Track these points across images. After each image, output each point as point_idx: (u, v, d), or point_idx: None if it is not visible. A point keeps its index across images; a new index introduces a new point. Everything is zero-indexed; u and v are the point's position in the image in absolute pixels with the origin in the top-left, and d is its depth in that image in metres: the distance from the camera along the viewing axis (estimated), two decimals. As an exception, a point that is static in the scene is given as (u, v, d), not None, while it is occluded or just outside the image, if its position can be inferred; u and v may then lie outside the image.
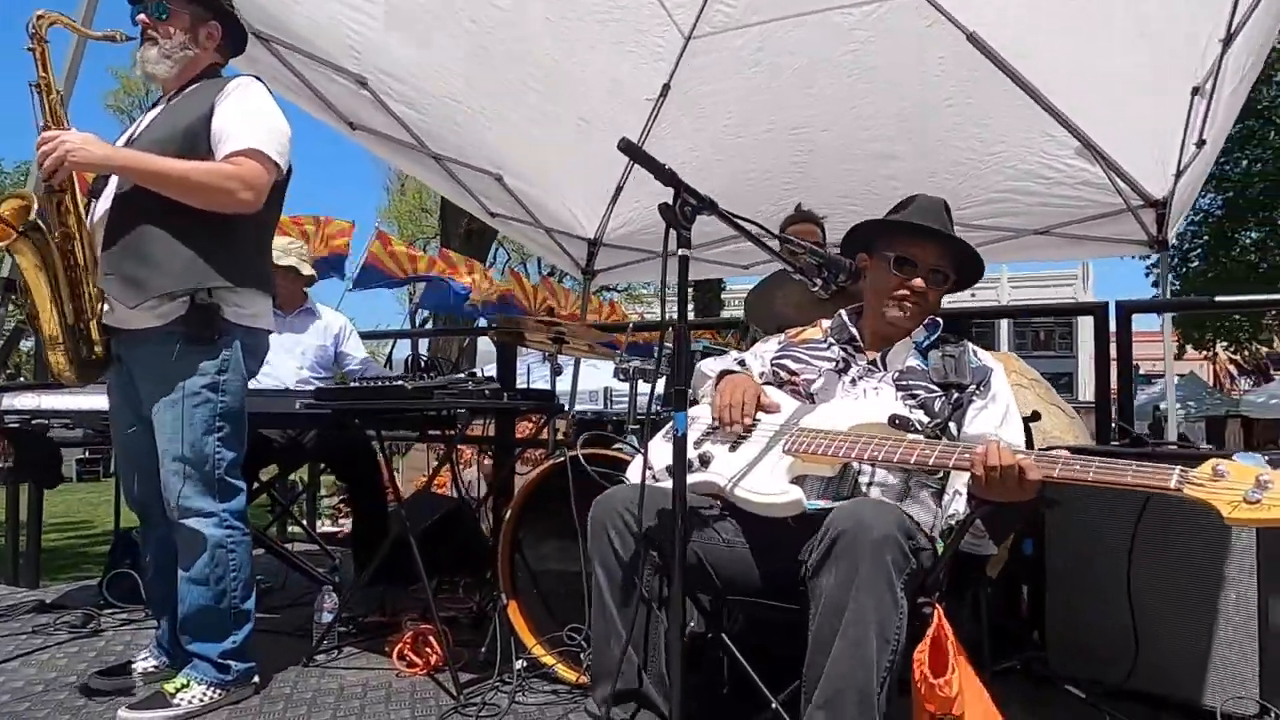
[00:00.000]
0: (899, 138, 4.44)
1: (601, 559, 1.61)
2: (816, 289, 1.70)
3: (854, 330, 1.90)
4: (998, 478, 1.38)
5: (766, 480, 1.62)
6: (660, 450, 1.87)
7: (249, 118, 2.18)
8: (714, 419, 1.84)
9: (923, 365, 1.79)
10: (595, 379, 9.79)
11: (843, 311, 1.97)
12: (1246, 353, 20.72)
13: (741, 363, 2.06)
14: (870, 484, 1.67)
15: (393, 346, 8.65)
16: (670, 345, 2.49)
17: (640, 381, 2.62)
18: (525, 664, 2.41)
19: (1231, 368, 21.83)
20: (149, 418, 2.23)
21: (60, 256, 2.16)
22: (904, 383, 1.76)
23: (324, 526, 5.96)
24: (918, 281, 1.80)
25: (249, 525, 2.30)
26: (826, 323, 2.03)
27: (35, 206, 2.09)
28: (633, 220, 5.33)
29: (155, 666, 2.40)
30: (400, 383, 2.44)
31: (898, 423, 1.59)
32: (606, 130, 4.66)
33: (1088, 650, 2.27)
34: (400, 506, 3.85)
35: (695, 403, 2.25)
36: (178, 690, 2.16)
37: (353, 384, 2.58)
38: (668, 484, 1.75)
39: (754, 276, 6.20)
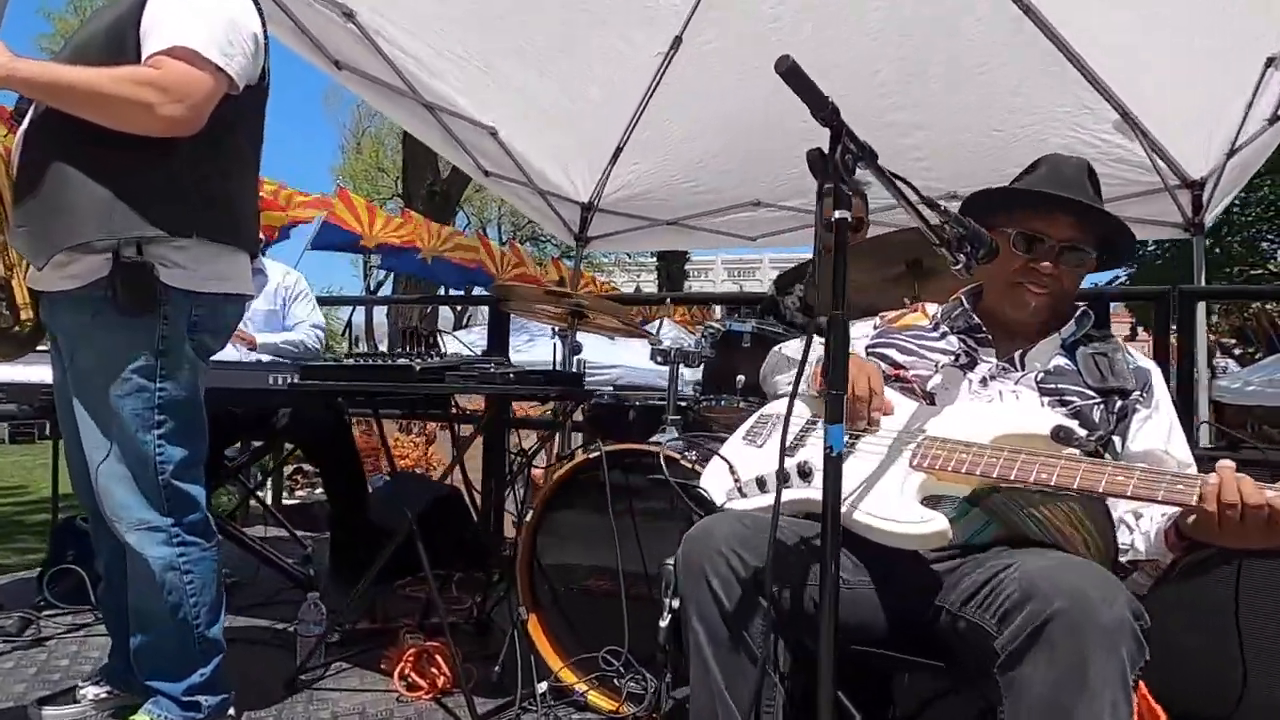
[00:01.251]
0: (925, 105, 4.14)
1: (701, 612, 1.28)
2: (959, 268, 1.38)
3: (975, 318, 1.58)
4: (1236, 519, 1.09)
5: (895, 504, 1.31)
6: (746, 457, 1.55)
7: (190, 6, 1.68)
8: (813, 421, 1.54)
9: (1071, 365, 1.49)
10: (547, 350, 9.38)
11: (962, 295, 1.66)
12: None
13: (828, 351, 1.74)
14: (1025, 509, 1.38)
15: (352, 312, 8.24)
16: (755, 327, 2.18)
17: (681, 366, 2.29)
18: (548, 688, 2.09)
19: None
20: None
21: None
22: (1051, 386, 1.45)
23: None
24: (1045, 264, 1.49)
25: (212, 537, 1.90)
26: (933, 307, 1.72)
27: None
28: (631, 184, 4.96)
29: (108, 693, 2.02)
30: (405, 361, 2.08)
31: (1062, 436, 1.29)
32: (611, 87, 4.32)
33: (1185, 680, 2.04)
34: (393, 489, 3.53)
35: (763, 395, 1.95)
36: (139, 729, 1.80)
37: (348, 360, 2.20)
38: (754, 503, 1.46)
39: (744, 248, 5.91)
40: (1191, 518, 1.18)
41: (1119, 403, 1.42)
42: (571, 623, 2.19)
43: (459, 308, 16.87)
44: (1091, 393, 1.43)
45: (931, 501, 1.35)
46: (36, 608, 2.72)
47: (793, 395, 1.19)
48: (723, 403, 2.34)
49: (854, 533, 1.33)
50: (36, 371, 2.57)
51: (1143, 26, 3.39)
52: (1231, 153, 3.54)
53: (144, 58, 1.66)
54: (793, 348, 1.77)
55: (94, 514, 1.97)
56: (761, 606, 1.24)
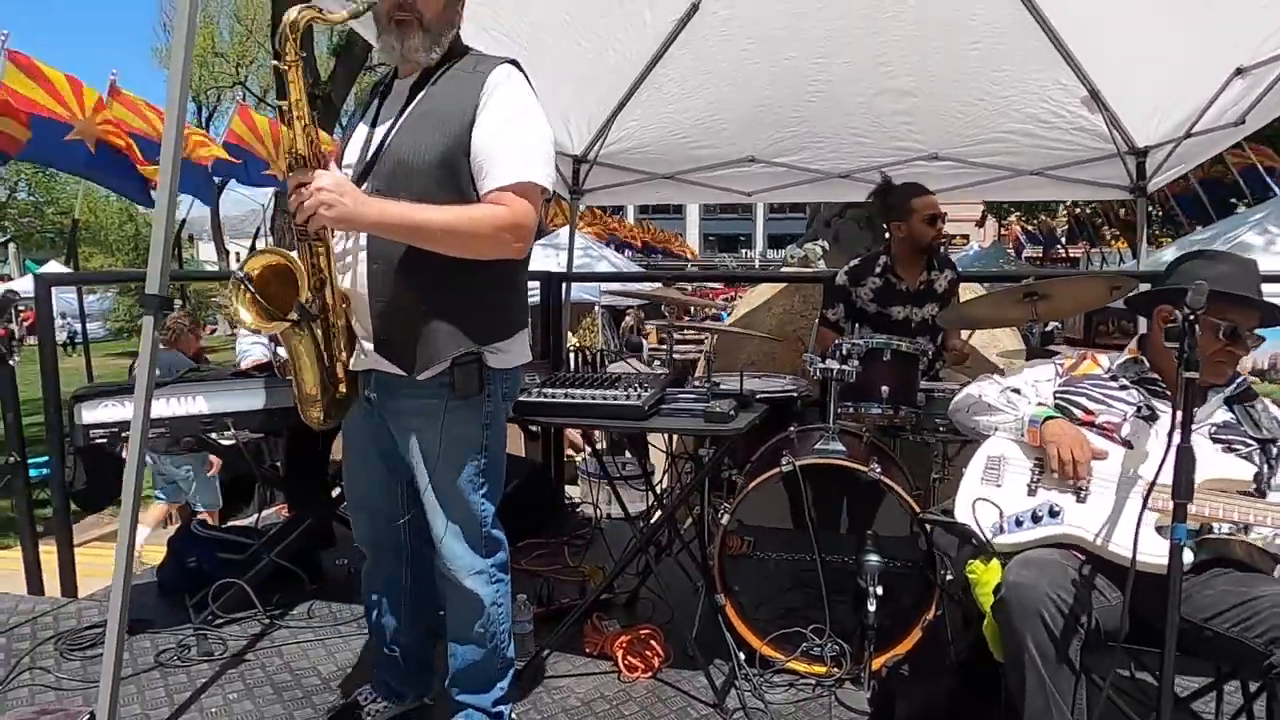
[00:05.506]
0: (918, 74, 4.48)
1: (1035, 639, 1.71)
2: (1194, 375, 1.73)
3: (1155, 374, 2.04)
4: None
5: (1142, 539, 1.76)
6: (995, 496, 1.98)
7: (518, 135, 1.84)
8: (1038, 463, 1.99)
9: (1233, 418, 1.98)
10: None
11: (1139, 355, 2.10)
12: (1036, 221, 23.46)
13: (1016, 390, 2.17)
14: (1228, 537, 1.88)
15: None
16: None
17: (835, 382, 2.67)
18: (757, 659, 2.53)
19: (1021, 235, 24.58)
20: (395, 461, 2.06)
21: (321, 319, 1.87)
22: (1222, 437, 1.94)
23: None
24: (1242, 352, 1.96)
25: (508, 569, 2.15)
26: (1105, 359, 2.17)
27: (305, 292, 1.76)
28: (626, 139, 5.11)
29: (384, 706, 2.29)
30: (625, 394, 2.33)
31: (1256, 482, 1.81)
32: (626, 51, 4.41)
33: None
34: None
35: (907, 401, 2.37)
36: (459, 744, 2.10)
37: (556, 392, 2.40)
38: (1019, 538, 1.91)
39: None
40: None
41: (1273, 450, 1.94)
42: (755, 602, 2.62)
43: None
44: (1252, 441, 1.94)
45: (1163, 532, 1.83)
46: (206, 622, 2.85)
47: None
48: (862, 408, 2.76)
49: (1106, 559, 1.82)
50: (185, 405, 2.66)
51: (1134, 21, 3.84)
52: (1187, 135, 4.16)
53: (489, 189, 1.82)
54: (990, 393, 2.17)
55: (374, 547, 2.22)
56: (1077, 631, 1.71)
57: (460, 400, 1.91)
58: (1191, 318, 1.54)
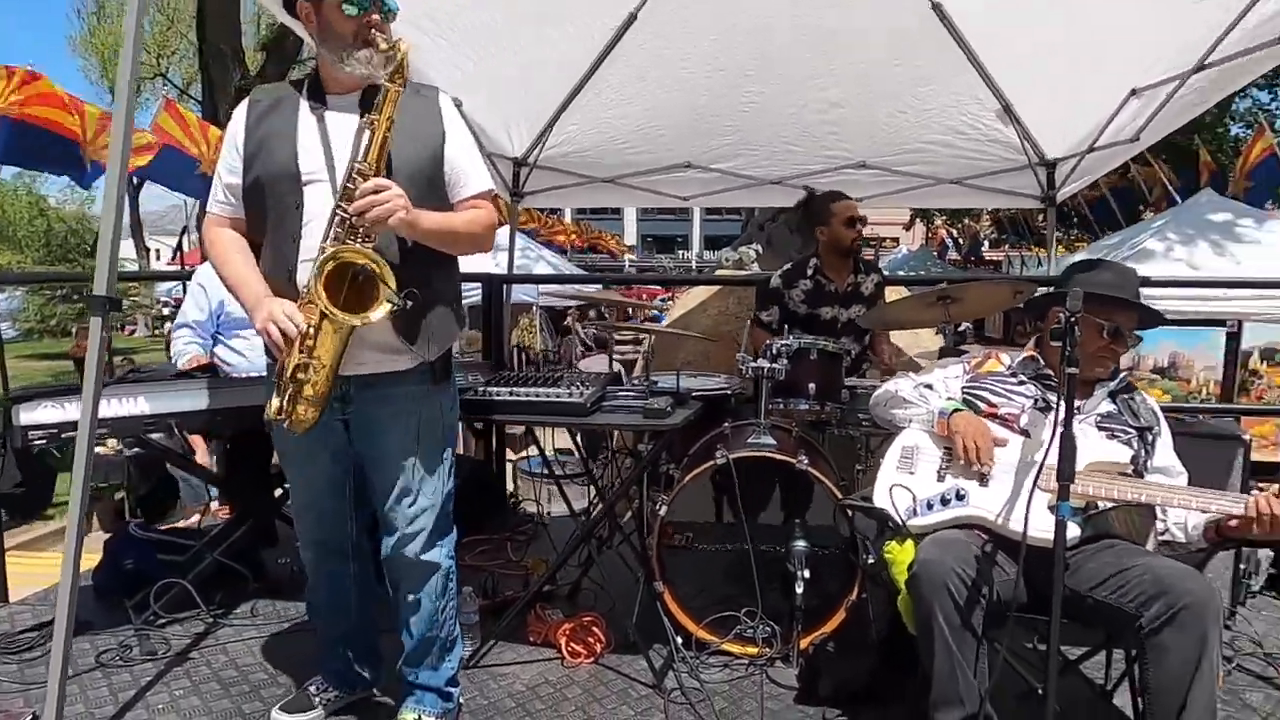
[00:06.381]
0: (845, 87, 4.70)
1: (942, 609, 1.89)
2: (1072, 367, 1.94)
3: (1049, 371, 2.25)
4: (1267, 524, 1.84)
5: (1037, 515, 1.96)
6: (909, 483, 2.16)
7: (474, 150, 2.11)
8: (947, 452, 2.17)
9: (1115, 409, 2.20)
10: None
11: (1036, 354, 2.31)
12: (961, 225, 24.38)
13: (929, 386, 2.36)
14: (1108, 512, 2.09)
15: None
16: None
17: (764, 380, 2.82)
18: (693, 641, 2.67)
19: (947, 238, 25.49)
20: (345, 457, 2.12)
21: None
22: (1106, 425, 2.16)
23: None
24: (1123, 350, 2.18)
25: None
26: (1006, 357, 2.37)
27: (390, 286, 1.85)
28: (565, 143, 5.21)
29: (335, 695, 2.35)
30: (567, 392, 2.45)
31: (1134, 464, 2.02)
32: (567, 57, 4.51)
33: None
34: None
35: (831, 398, 2.54)
36: (413, 727, 2.18)
37: (501, 390, 2.51)
38: (930, 520, 2.10)
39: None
40: (1236, 521, 1.92)
41: (1149, 436, 2.17)
42: (692, 589, 2.76)
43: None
44: (1132, 430, 2.16)
45: (1054, 510, 2.02)
46: (148, 622, 2.85)
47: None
48: (790, 405, 2.93)
49: (1006, 537, 2.01)
50: (127, 406, 2.67)
51: (1042, 42, 4.10)
52: (1090, 150, 4.47)
53: (464, 197, 2.05)
54: (905, 389, 2.36)
55: (320, 546, 2.27)
56: (979, 602, 1.89)
57: (437, 386, 2.09)
58: (1072, 319, 1.73)
